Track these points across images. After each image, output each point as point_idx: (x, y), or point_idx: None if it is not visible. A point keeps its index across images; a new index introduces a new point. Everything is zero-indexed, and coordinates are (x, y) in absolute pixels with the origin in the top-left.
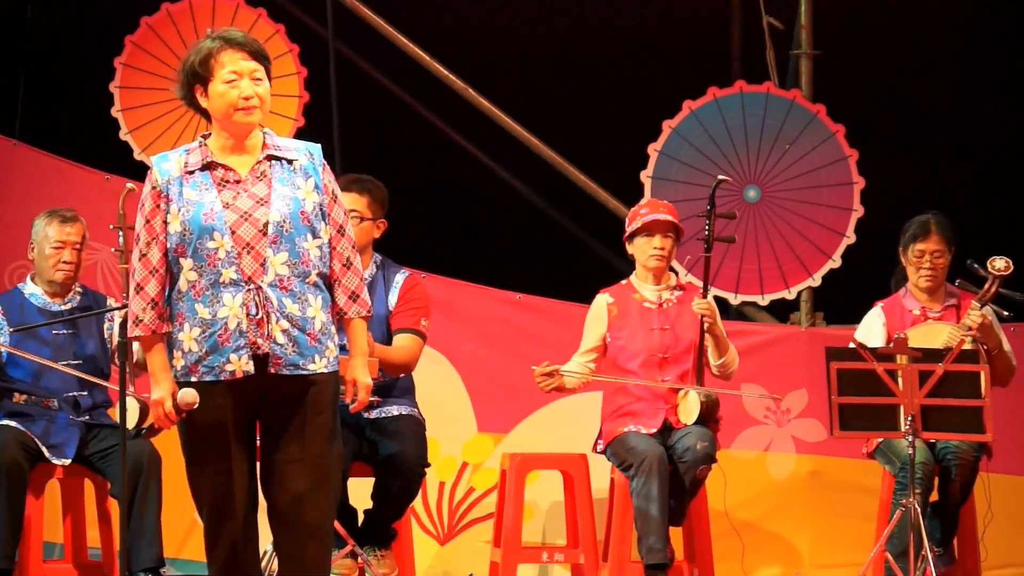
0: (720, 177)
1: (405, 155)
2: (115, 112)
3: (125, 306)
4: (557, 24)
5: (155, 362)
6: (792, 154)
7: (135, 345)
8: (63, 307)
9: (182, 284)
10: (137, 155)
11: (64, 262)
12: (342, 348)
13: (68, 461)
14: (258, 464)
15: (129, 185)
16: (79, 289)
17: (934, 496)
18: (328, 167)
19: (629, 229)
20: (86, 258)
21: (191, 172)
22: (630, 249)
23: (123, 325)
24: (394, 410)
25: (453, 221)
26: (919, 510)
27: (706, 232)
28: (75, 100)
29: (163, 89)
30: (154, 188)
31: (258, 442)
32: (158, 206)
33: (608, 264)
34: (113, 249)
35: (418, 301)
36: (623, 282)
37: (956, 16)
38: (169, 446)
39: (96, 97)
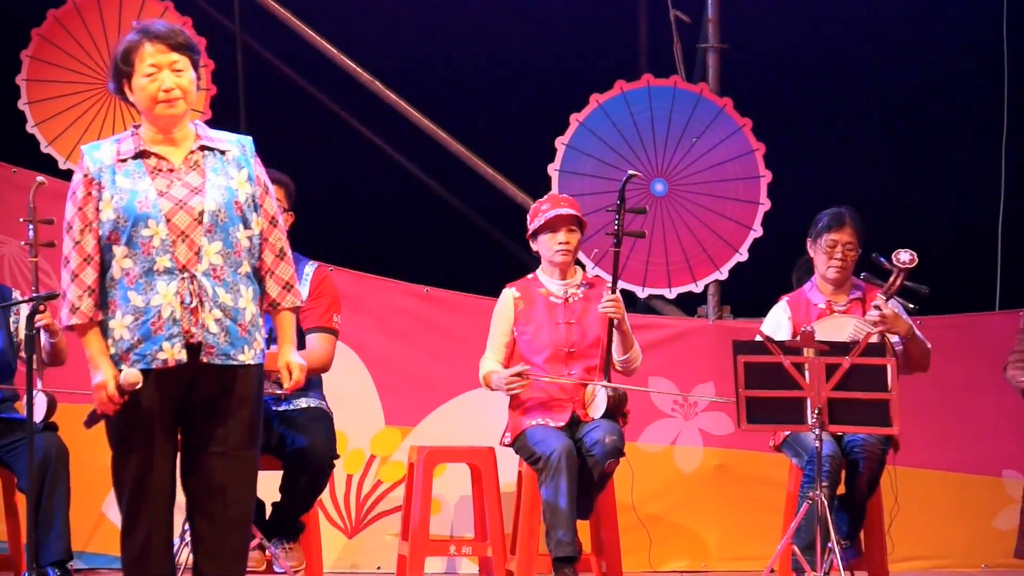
0: (630, 172)
1: (312, 148)
2: (22, 105)
3: (32, 299)
4: (465, 16)
5: (94, 348)
6: (699, 148)
7: (43, 339)
8: None
9: (115, 271)
10: (44, 148)
11: None
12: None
13: None
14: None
15: (39, 178)
16: None
17: (841, 489)
18: (259, 159)
19: (532, 226)
20: None
21: (123, 160)
22: (534, 246)
23: (29, 318)
24: (302, 403)
25: (360, 214)
26: (826, 503)
27: (615, 227)
28: None
29: (70, 82)
30: (86, 176)
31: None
32: (90, 193)
33: (515, 257)
34: (23, 243)
35: (329, 296)
36: (529, 276)
37: (861, 10)
38: (77, 440)
39: (2, 90)
